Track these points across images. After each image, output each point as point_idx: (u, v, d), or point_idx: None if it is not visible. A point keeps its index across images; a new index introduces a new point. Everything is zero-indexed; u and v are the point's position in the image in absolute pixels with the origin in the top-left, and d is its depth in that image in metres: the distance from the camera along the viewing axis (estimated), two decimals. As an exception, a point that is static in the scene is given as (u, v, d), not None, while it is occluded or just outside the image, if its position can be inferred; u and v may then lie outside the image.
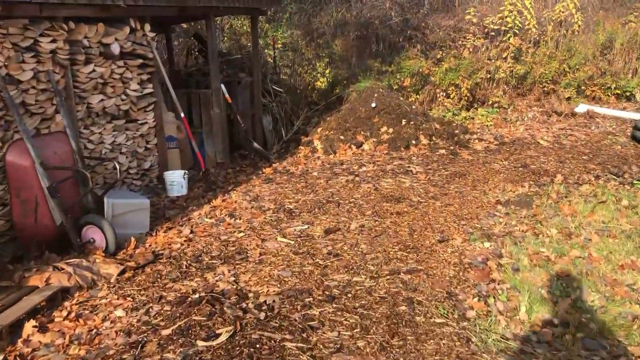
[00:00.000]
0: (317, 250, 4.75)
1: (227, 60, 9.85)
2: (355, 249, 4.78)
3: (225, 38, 12.15)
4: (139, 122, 6.22)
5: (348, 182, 6.68)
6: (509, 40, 11.81)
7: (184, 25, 11.00)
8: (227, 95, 8.05)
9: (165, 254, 4.72)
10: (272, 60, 11.32)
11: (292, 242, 4.92)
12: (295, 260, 4.54)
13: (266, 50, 11.86)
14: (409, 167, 7.32)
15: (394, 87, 11.31)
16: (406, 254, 4.64)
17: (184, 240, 4.99)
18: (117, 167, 4.87)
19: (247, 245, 4.89)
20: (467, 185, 6.55)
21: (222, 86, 7.95)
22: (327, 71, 13.10)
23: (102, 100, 5.63)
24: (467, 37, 12.26)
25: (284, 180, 6.88)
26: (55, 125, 5.11)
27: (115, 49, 5.63)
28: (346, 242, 4.92)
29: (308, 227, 5.28)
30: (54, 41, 4.99)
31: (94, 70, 5.47)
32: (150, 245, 4.93)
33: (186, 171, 6.61)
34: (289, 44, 13.11)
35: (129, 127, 6.07)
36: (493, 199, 6.11)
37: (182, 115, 6.87)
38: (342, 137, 8.48)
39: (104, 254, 4.66)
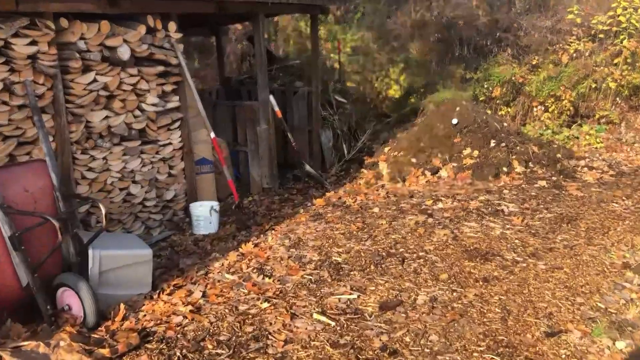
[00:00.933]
0: (367, 340, 3.32)
1: (284, 66, 8.61)
2: (422, 341, 3.31)
3: (292, 42, 10.93)
4: (160, 143, 5.05)
5: (418, 225, 5.18)
6: (621, 43, 9.81)
7: (239, 27, 9.89)
8: (276, 109, 6.78)
9: (158, 334, 3.45)
10: (338, 66, 9.96)
11: (333, 324, 3.52)
12: (333, 358, 3.15)
13: (332, 55, 10.53)
14: (499, 204, 5.71)
15: (480, 98, 9.63)
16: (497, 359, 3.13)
17: (190, 311, 3.70)
18: (103, 211, 3.65)
19: (271, 324, 3.53)
20: (580, 237, 4.88)
21: (272, 98, 6.68)
22: (402, 77, 11.59)
23: (106, 117, 4.49)
24: (570, 40, 10.35)
25: (337, 218, 5.49)
26: (39, 151, 4.01)
27: (124, 53, 4.47)
28: (409, 327, 3.46)
29: (358, 297, 3.86)
30: (33, 43, 3.88)
31: (94, 81, 4.34)
32: (144, 316, 3.69)
33: (215, 204, 5.37)
34: (360, 48, 11.72)
35: (146, 149, 4.91)
36: (618, 260, 4.43)
37: (212, 135, 5.61)
38: (413, 160, 6.99)
39: (80, 328, 3.47)
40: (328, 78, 8.80)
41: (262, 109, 6.58)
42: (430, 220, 5.31)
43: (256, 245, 4.87)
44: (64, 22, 4.07)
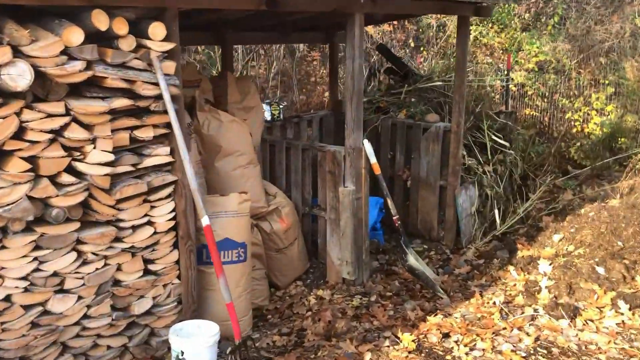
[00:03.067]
0: None
1: (420, 90, 6.06)
2: None
3: (442, 52, 8.25)
4: (124, 225, 2.99)
5: None
6: None
7: (371, 30, 7.50)
8: (373, 161, 4.33)
9: None
10: (503, 90, 7.04)
11: None
12: None
13: (499, 75, 7.61)
14: None
15: None
16: None
17: None
18: None
19: None
20: None
21: (366, 144, 4.26)
22: (609, 108, 8.20)
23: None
24: None
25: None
26: None
27: (18, 79, 2.43)
28: None
29: None
30: None
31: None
32: None
33: (215, 331, 3.15)
34: (548, 64, 8.57)
35: (90, 237, 2.88)
36: None
37: (206, 223, 3.27)
38: (600, 271, 4.01)
39: None
40: (485, 108, 6.03)
41: (350, 159, 4.21)
42: None
43: None
44: None
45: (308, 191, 4.78)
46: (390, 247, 5.54)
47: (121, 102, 2.82)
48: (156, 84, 2.91)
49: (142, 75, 2.86)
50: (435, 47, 8.32)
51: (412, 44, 8.07)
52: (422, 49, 8.25)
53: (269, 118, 5.43)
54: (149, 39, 2.89)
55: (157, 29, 2.90)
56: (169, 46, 2.95)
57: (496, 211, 5.63)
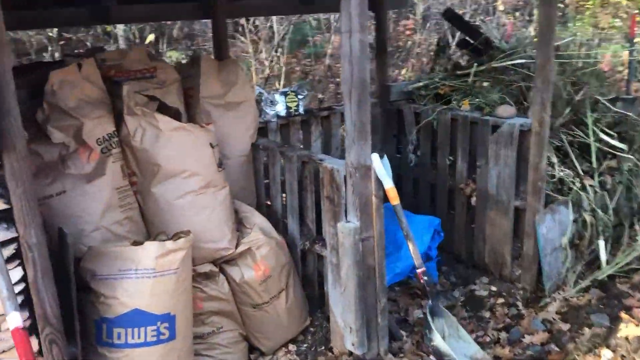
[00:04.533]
0: None
1: (494, 69, 4.39)
2: None
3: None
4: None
5: None
6: None
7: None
8: (387, 185, 2.88)
9: None
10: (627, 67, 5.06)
11: None
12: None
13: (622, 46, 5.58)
14: None
15: None
16: None
17: None
18: None
19: None
20: None
21: (376, 159, 2.82)
22: None
23: None
24: None
25: None
26: None
27: None
28: None
29: None
30: None
31: None
32: None
33: None
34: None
35: None
36: None
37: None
38: None
39: None
40: (591, 92, 4.23)
41: (353, 181, 2.82)
42: None
43: None
44: None
45: (312, 219, 3.44)
46: (448, 285, 4.11)
47: None
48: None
49: None
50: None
51: (501, 5, 6.16)
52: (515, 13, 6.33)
53: (283, 113, 4.14)
54: None
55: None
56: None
57: (601, 244, 3.92)
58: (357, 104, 2.72)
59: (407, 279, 4.23)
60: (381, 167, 2.82)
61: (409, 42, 6.75)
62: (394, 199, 2.89)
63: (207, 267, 2.95)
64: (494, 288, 3.99)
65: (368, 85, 2.75)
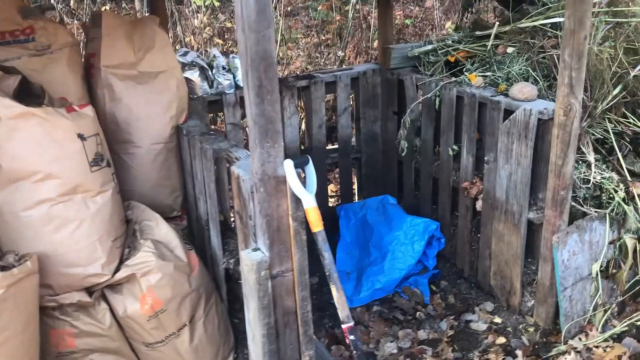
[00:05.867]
0: None
1: (521, 31, 3.28)
2: None
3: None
4: None
5: None
6: None
7: None
8: (308, 205, 2.00)
9: None
10: None
11: None
12: None
13: None
14: None
15: None
16: None
17: None
18: None
19: None
20: None
21: (289, 167, 1.94)
22: None
23: None
24: None
25: None
26: None
27: None
28: None
29: None
30: None
31: None
32: None
33: None
34: None
35: None
36: None
37: None
38: None
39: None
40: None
41: (259, 196, 1.97)
42: None
43: None
44: None
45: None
46: (441, 309, 3.26)
47: None
48: None
49: None
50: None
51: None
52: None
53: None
54: None
55: None
56: None
57: (648, 275, 2.88)
58: (255, 90, 1.85)
59: (391, 296, 3.41)
60: (296, 179, 1.95)
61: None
62: (315, 224, 2.03)
63: (76, 297, 2.24)
64: (497, 320, 3.08)
65: (273, 64, 1.85)
